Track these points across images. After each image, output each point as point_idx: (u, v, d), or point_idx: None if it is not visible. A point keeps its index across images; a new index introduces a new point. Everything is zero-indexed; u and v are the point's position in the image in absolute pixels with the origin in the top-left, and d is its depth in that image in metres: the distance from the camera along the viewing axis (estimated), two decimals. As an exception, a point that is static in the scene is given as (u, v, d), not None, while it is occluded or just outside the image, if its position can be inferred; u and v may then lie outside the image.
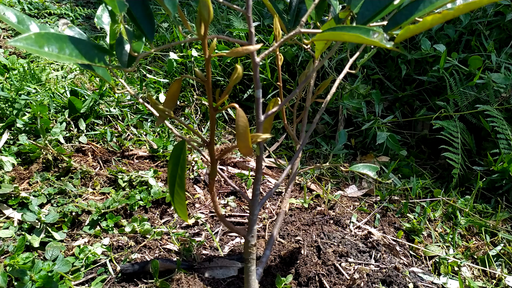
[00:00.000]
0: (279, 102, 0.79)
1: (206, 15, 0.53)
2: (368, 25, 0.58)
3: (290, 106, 1.33)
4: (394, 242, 1.13)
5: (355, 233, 1.16)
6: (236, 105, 0.58)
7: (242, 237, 1.11)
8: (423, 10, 0.56)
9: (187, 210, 0.62)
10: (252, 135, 0.61)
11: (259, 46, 0.56)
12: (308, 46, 0.79)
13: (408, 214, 1.25)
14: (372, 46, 0.75)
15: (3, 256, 0.96)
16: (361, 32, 0.53)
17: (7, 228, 1.03)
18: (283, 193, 1.06)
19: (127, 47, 0.65)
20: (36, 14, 2.87)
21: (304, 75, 0.80)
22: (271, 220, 1.20)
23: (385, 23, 0.62)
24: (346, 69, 0.76)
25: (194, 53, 1.69)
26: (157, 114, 0.65)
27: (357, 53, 0.76)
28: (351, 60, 0.77)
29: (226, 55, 0.56)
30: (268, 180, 1.40)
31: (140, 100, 0.65)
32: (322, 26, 0.70)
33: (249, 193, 1.32)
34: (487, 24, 1.59)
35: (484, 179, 1.32)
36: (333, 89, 0.76)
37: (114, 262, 1.00)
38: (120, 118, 1.58)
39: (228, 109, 1.64)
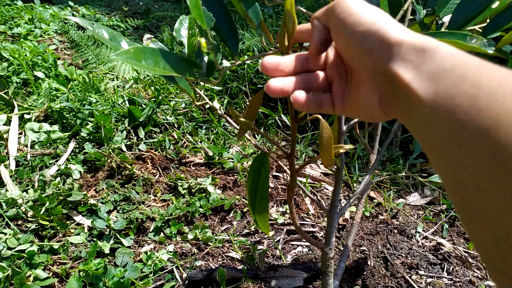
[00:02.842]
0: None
1: (291, 27, 0.52)
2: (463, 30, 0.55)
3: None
4: (466, 254, 1.07)
5: (422, 243, 1.11)
6: (320, 117, 0.57)
7: (313, 248, 1.10)
8: (525, 12, 0.52)
9: (269, 223, 0.62)
10: (334, 146, 0.59)
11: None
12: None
13: (478, 224, 1.18)
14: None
15: (77, 262, 1.00)
16: (459, 38, 0.51)
17: (78, 234, 1.07)
18: (350, 202, 1.03)
19: (205, 59, 0.65)
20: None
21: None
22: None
23: (478, 27, 0.59)
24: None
25: (248, 61, 1.69)
26: (236, 125, 0.65)
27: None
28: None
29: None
30: (325, 187, 1.37)
31: (220, 112, 0.65)
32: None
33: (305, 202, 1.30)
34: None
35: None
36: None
37: (181, 269, 1.01)
38: (176, 125, 1.61)
39: (282, 116, 1.63)
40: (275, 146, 1.50)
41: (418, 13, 0.63)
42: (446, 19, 0.60)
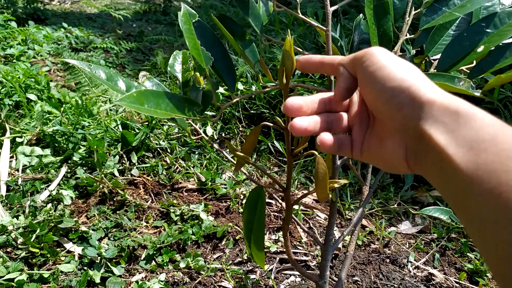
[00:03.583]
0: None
1: (289, 66, 0.53)
2: (449, 72, 0.58)
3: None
4: (457, 285, 1.07)
5: (414, 273, 1.11)
6: (316, 152, 0.58)
7: (308, 281, 1.09)
8: (510, 58, 0.55)
9: (264, 257, 0.62)
10: (329, 181, 0.60)
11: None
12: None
13: (468, 254, 1.20)
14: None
15: (67, 292, 0.98)
16: (447, 80, 0.53)
17: (69, 262, 1.06)
18: (344, 235, 1.04)
19: (200, 93, 0.67)
20: (82, 48, 3.02)
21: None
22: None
23: (464, 68, 0.62)
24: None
25: (240, 86, 1.72)
26: (232, 160, 0.66)
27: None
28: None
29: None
30: (317, 215, 1.38)
31: (215, 146, 0.66)
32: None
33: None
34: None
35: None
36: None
37: (172, 299, 1.00)
38: (169, 150, 1.62)
39: (275, 142, 1.65)
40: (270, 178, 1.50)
41: (408, 52, 0.66)
42: (435, 58, 0.63)
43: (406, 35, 0.63)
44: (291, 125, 0.40)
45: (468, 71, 0.60)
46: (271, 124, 0.58)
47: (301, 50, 0.60)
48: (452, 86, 0.52)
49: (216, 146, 0.65)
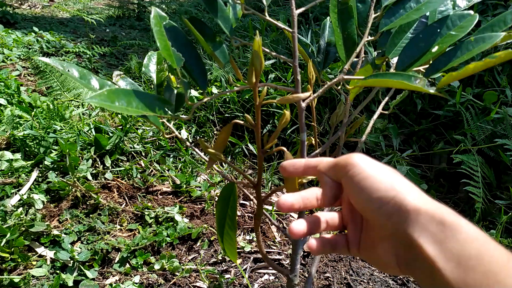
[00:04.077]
0: (313, 141, 0.82)
1: (258, 66, 0.56)
2: (408, 71, 0.62)
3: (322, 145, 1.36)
4: (423, 278, 1.12)
5: (383, 268, 1.16)
6: (285, 149, 0.61)
7: (279, 275, 1.12)
8: (461, 57, 0.60)
9: (236, 251, 0.64)
10: (298, 176, 0.63)
11: (308, 94, 0.59)
12: (339, 87, 0.83)
13: (433, 249, 1.25)
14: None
15: (39, 295, 0.97)
16: (404, 78, 0.57)
17: (41, 266, 1.04)
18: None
19: (174, 93, 0.69)
20: (54, 52, 2.97)
21: (336, 115, 0.83)
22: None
23: (422, 68, 0.66)
24: (380, 110, 0.79)
25: (214, 90, 1.74)
26: (205, 158, 0.68)
27: (389, 94, 0.79)
28: (383, 102, 0.80)
29: (277, 102, 0.59)
30: (290, 215, 1.41)
31: (188, 144, 0.68)
32: (358, 72, 0.74)
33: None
34: (499, 60, 1.64)
35: (508, 213, 1.33)
36: (369, 129, 0.79)
37: (147, 300, 1.00)
38: (144, 154, 1.62)
39: (249, 145, 1.67)
40: (242, 176, 1.53)
41: (370, 54, 0.70)
42: (394, 60, 0.67)
43: (368, 38, 0.67)
44: (289, 229, 0.41)
45: (424, 71, 0.64)
46: (242, 122, 0.61)
47: (274, 53, 0.63)
48: (409, 84, 0.55)
49: (188, 143, 0.67)
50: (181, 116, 0.59)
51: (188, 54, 0.59)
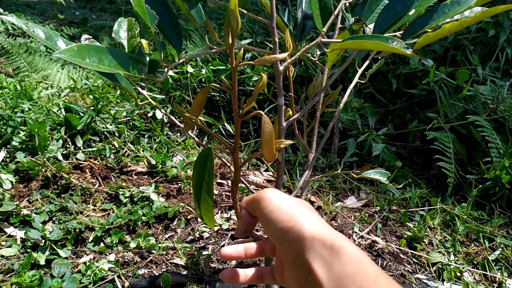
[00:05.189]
0: (290, 112, 0.81)
1: (234, 26, 0.55)
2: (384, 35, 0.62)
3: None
4: (398, 250, 1.15)
5: (359, 242, 1.17)
6: (262, 112, 0.60)
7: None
8: (437, 20, 0.60)
9: (214, 217, 0.63)
10: (276, 141, 0.62)
11: (285, 54, 0.58)
12: (316, 58, 0.82)
13: (407, 223, 1.28)
14: (379, 58, 0.79)
15: (9, 275, 0.93)
16: (382, 40, 0.56)
17: (10, 246, 1.01)
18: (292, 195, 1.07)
19: (147, 60, 0.66)
20: (20, 34, 2.85)
21: (313, 86, 0.83)
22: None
23: (398, 33, 0.66)
24: (356, 79, 0.79)
25: (190, 69, 1.71)
26: (180, 125, 0.66)
27: (366, 63, 0.79)
28: (360, 71, 0.80)
29: (254, 64, 0.58)
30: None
31: (162, 111, 0.66)
32: (336, 37, 0.73)
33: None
34: (471, 40, 1.67)
35: (478, 187, 1.37)
36: (345, 98, 0.79)
37: (123, 278, 0.98)
38: (117, 134, 1.57)
39: (226, 124, 1.65)
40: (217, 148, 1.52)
41: (348, 20, 0.69)
42: (371, 26, 0.66)
43: (345, 4, 0.67)
44: (220, 253, 0.50)
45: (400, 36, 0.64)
46: (218, 85, 0.59)
47: (245, 11, 0.62)
48: (387, 45, 0.55)
49: (163, 111, 0.65)
50: (155, 78, 0.57)
51: (162, 13, 0.57)
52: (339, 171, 0.82)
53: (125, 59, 0.51)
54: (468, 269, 1.12)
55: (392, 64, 1.73)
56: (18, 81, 1.84)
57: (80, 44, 0.47)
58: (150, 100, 0.67)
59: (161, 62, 0.58)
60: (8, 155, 1.33)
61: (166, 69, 0.56)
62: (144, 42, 0.75)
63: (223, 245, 1.14)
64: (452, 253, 1.17)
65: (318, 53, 0.78)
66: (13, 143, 1.34)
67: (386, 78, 1.73)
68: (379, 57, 0.76)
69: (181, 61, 0.58)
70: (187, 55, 1.79)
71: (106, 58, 0.49)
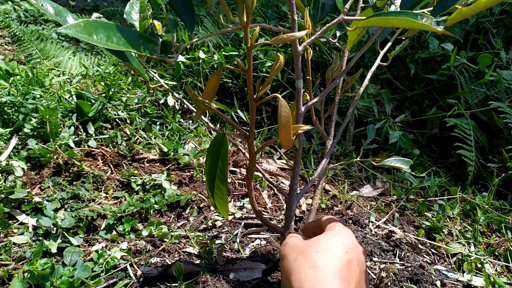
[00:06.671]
0: (307, 97, 0.77)
1: (250, 3, 0.51)
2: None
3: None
4: (416, 241, 1.11)
5: (375, 232, 1.14)
6: (279, 95, 0.57)
7: (271, 240, 1.09)
8: (469, -4, 0.55)
9: (228, 206, 0.60)
10: (293, 126, 0.59)
11: (304, 32, 0.54)
12: (336, 39, 0.78)
13: (426, 213, 1.24)
14: (403, 38, 0.74)
15: (21, 263, 0.93)
16: (410, 16, 0.52)
17: (22, 234, 1.00)
18: (308, 185, 1.04)
19: (160, 40, 0.63)
20: (32, 21, 2.84)
21: (331, 69, 0.79)
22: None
23: (426, 10, 0.61)
24: (378, 62, 0.75)
25: (202, 55, 1.67)
26: (193, 109, 0.63)
27: (387, 46, 0.75)
28: (382, 52, 0.76)
29: (270, 43, 0.54)
30: (282, 182, 1.38)
31: (175, 95, 0.63)
32: (360, 14, 0.69)
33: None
34: (494, 23, 1.60)
35: (500, 176, 1.32)
36: (366, 82, 0.75)
37: (135, 266, 0.97)
38: (129, 121, 1.56)
39: (238, 112, 1.62)
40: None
41: (371, -2, 0.65)
42: (398, 2, 0.62)
43: (368, -21, 0.62)
44: None
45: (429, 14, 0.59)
46: (233, 67, 0.56)
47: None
48: (415, 21, 0.51)
49: (176, 95, 0.62)
50: (167, 58, 0.54)
51: (172, -10, 0.54)
52: (357, 159, 0.79)
53: (136, 37, 0.48)
54: (489, 261, 1.08)
55: (411, 48, 1.67)
56: (29, 68, 1.83)
57: (87, 20, 0.44)
58: (162, 82, 0.64)
59: (173, 42, 0.55)
60: (19, 142, 1.32)
61: (178, 50, 0.53)
62: (157, 23, 0.71)
63: (236, 234, 1.12)
64: (472, 244, 1.13)
65: (338, 34, 0.74)
66: (25, 130, 1.33)
67: (404, 63, 1.67)
68: (403, 38, 0.72)
69: (194, 40, 0.55)
70: (200, 41, 1.75)
71: (115, 36, 0.46)
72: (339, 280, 0.44)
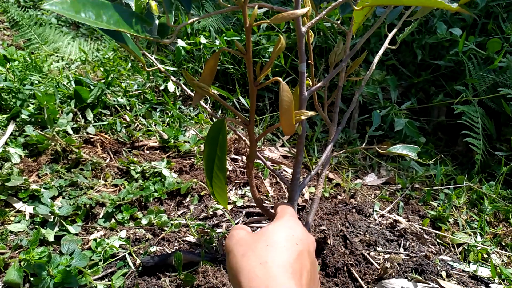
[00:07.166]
0: (310, 82, 0.74)
1: (250, -21, 0.47)
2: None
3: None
4: (421, 230, 1.09)
5: (380, 221, 1.12)
6: (280, 79, 0.54)
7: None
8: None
9: (227, 195, 0.57)
10: (295, 112, 0.56)
11: (305, 10, 0.51)
12: (339, 20, 0.74)
13: (431, 202, 1.21)
14: (412, 20, 0.71)
15: (17, 251, 0.91)
16: (422, -5, 0.49)
17: (19, 222, 0.98)
18: (311, 174, 1.01)
19: (156, 23, 0.60)
20: (31, 6, 2.79)
21: (334, 53, 0.75)
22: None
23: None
24: (386, 44, 0.71)
25: (203, 40, 1.63)
26: (192, 94, 0.60)
27: (397, 26, 0.71)
28: (390, 35, 0.72)
29: (270, 22, 0.51)
30: (284, 170, 1.35)
31: (172, 78, 0.60)
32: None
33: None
34: (504, 7, 1.55)
35: (508, 164, 1.29)
36: (373, 66, 0.72)
37: (134, 255, 0.95)
38: (128, 108, 1.53)
39: (240, 98, 1.59)
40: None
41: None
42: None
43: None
44: None
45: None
46: (231, 50, 0.53)
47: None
48: None
49: (173, 78, 0.59)
50: (162, 39, 0.51)
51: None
52: (362, 146, 0.76)
53: (128, 16, 0.45)
54: (496, 251, 1.06)
55: (418, 33, 1.62)
56: (28, 53, 1.79)
57: (75, -3, 0.40)
58: (159, 65, 0.61)
59: (169, 22, 0.52)
60: (16, 129, 1.29)
61: (175, 31, 0.50)
62: (153, 3, 0.68)
63: (237, 223, 1.10)
64: (479, 234, 1.11)
65: (341, 16, 0.71)
66: (22, 116, 1.30)
67: (411, 49, 1.62)
68: (412, 20, 0.68)
69: (190, 21, 0.51)
70: (200, 25, 1.71)
71: (105, 14, 0.43)
72: (291, 275, 0.42)
